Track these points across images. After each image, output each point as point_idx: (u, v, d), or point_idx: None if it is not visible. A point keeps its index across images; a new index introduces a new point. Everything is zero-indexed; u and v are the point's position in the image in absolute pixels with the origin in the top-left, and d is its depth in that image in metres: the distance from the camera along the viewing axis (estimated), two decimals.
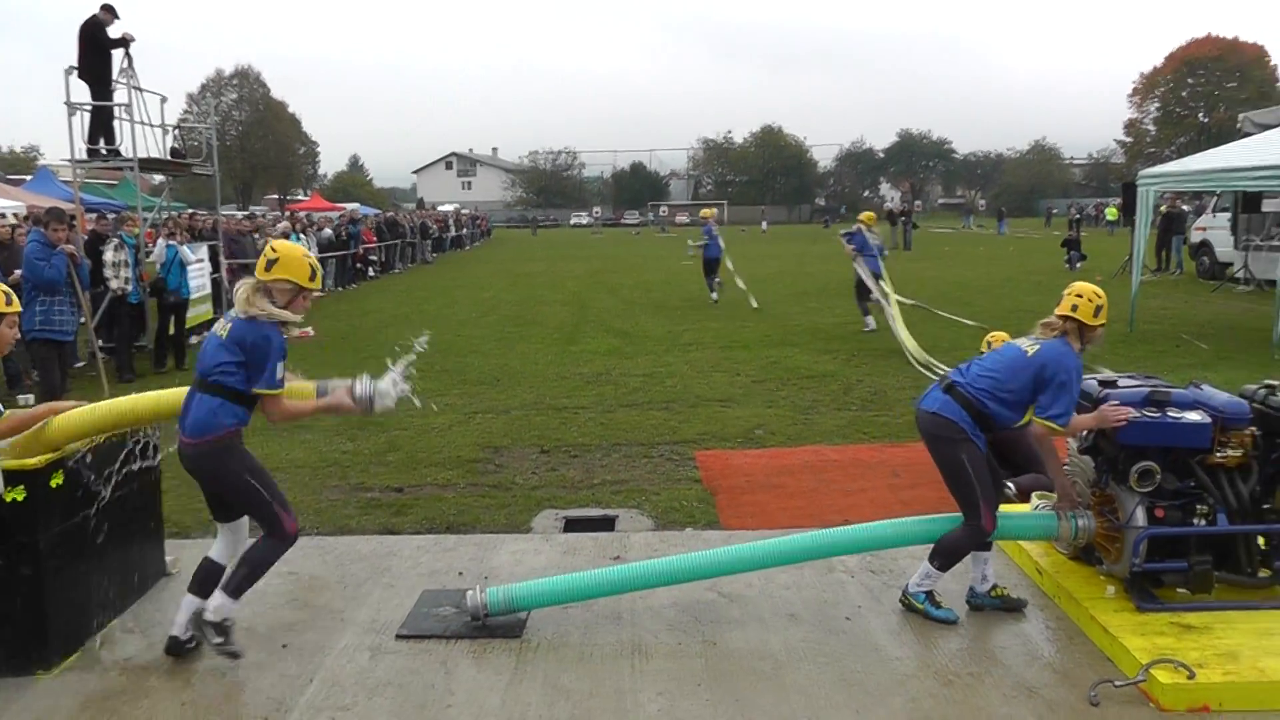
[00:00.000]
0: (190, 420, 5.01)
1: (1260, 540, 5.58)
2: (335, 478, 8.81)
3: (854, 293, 18.07)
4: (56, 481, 5.22)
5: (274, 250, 5.11)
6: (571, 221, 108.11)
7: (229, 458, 5.04)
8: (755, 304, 21.57)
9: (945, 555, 5.62)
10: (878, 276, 17.16)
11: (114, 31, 16.22)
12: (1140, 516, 5.39)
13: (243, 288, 5.06)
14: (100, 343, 13.83)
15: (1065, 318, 5.54)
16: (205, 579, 5.27)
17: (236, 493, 5.15)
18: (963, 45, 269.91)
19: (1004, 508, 6.51)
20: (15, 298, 5.12)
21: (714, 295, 22.61)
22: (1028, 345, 5.56)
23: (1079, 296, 5.57)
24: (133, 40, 16.52)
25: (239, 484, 5.08)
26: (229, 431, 5.02)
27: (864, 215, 18.56)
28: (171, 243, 15.50)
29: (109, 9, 16.10)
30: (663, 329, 18.35)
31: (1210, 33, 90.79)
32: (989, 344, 7.96)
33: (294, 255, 5.13)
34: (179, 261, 15.62)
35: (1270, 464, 5.55)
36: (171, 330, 15.39)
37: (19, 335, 5.33)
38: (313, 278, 5.16)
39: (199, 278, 17.22)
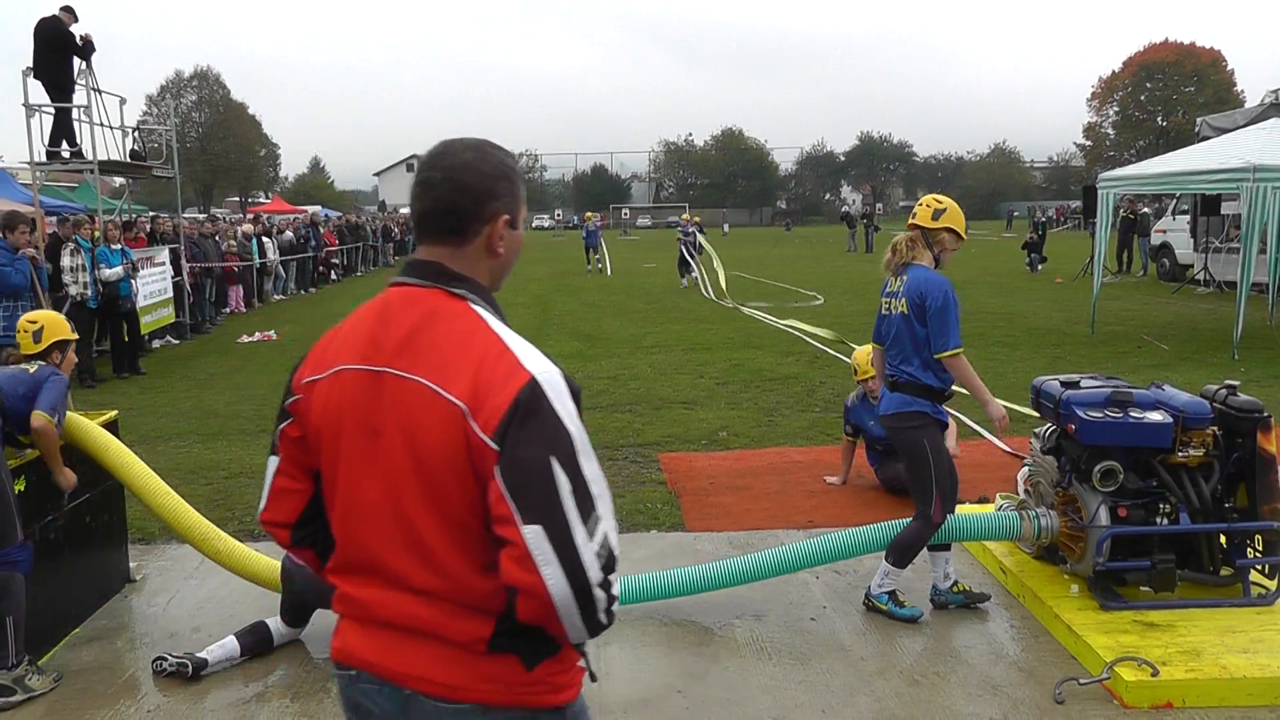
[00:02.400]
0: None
1: (1222, 538, 5.64)
2: None
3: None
4: (19, 487, 5.16)
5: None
6: (534, 224, 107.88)
7: None
8: (712, 296, 22.70)
9: (900, 551, 5.65)
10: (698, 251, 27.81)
11: (75, 31, 16.05)
12: (1103, 516, 5.44)
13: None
14: None
15: (910, 228, 5.71)
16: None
17: None
18: (922, 48, 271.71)
19: (968, 508, 6.58)
20: None
21: (684, 283, 27.45)
22: (897, 303, 5.56)
23: (917, 207, 5.78)
24: (94, 49, 16.37)
25: None
26: None
27: (685, 215, 29.16)
28: (114, 247, 15.24)
29: (68, 10, 15.93)
30: (626, 331, 18.35)
31: (1168, 38, 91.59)
32: (855, 369, 8.14)
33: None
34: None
35: (1231, 463, 5.60)
36: (126, 338, 15.17)
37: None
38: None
39: (157, 282, 17.07)
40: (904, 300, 5.49)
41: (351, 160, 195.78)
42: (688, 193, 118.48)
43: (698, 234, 29.46)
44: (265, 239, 25.89)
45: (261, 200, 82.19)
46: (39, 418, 5.14)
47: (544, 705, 2.12)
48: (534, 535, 1.88)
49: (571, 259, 37.90)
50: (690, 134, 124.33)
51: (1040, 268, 30.32)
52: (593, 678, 2.26)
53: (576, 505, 1.92)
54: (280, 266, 26.84)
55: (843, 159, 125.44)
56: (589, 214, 40.27)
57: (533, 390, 1.96)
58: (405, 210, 76.51)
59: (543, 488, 1.91)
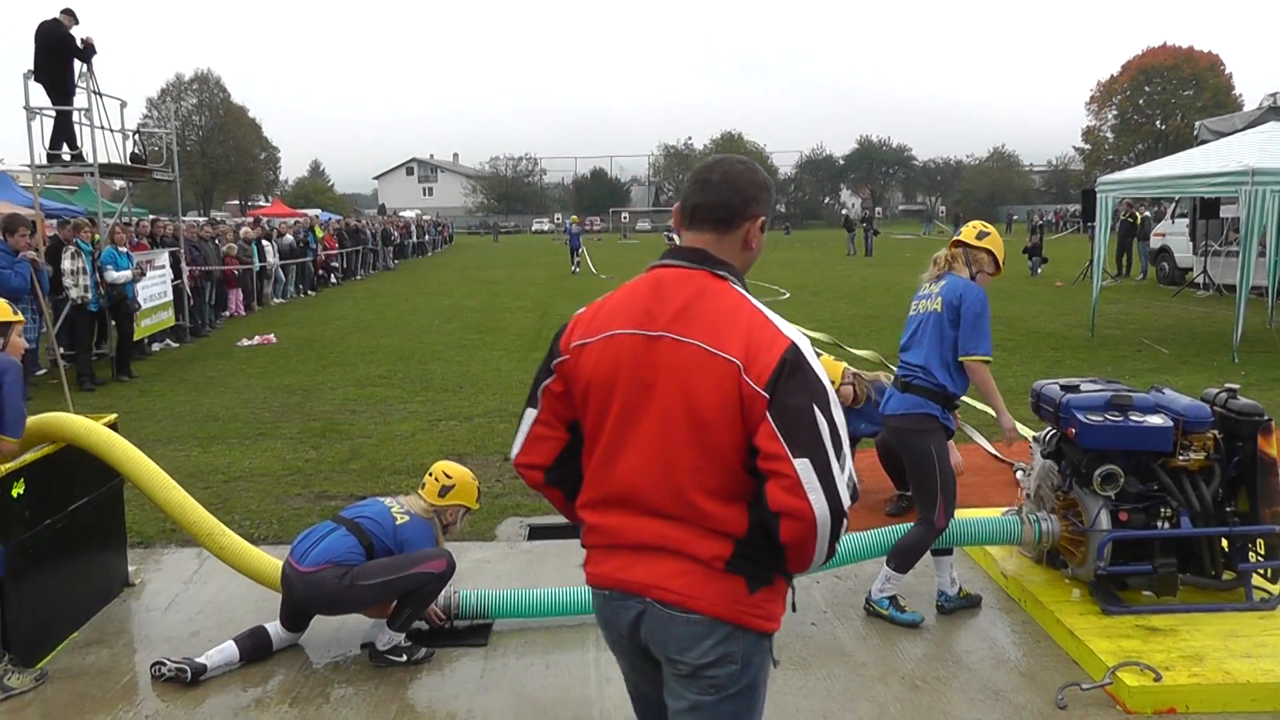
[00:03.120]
0: None
1: (1224, 543, 5.62)
2: (298, 486, 8.74)
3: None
4: (17, 491, 5.15)
5: None
6: (534, 227, 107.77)
7: None
8: None
9: (903, 556, 5.63)
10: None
11: (75, 34, 16.05)
12: (1104, 520, 5.43)
13: None
14: (61, 350, 13.68)
15: (953, 244, 5.81)
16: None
17: None
18: (921, 52, 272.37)
19: (969, 512, 6.56)
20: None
21: None
22: (931, 303, 5.63)
23: (963, 228, 5.93)
24: (95, 52, 16.37)
25: None
26: None
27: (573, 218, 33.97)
28: (122, 249, 15.23)
29: (69, 13, 15.92)
30: None
31: (1166, 42, 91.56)
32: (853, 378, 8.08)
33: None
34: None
35: (1232, 467, 5.59)
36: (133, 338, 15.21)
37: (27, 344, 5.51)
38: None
39: (157, 285, 17.05)
40: (940, 299, 5.55)
41: (352, 164, 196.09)
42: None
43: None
44: (265, 242, 25.87)
45: (261, 203, 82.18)
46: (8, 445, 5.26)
47: (755, 628, 2.58)
48: (803, 467, 2.37)
49: (570, 263, 37.85)
50: (690, 138, 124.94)
51: (1040, 270, 30.30)
52: (793, 608, 2.74)
53: (833, 445, 2.42)
54: (280, 270, 26.83)
55: (842, 163, 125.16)
56: (574, 217, 45.26)
57: (795, 352, 2.46)
58: (406, 213, 77.11)
59: (809, 429, 2.40)
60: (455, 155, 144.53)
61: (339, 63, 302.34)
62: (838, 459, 2.43)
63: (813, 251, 48.51)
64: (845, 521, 2.44)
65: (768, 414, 2.41)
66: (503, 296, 27.36)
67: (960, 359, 5.46)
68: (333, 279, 32.60)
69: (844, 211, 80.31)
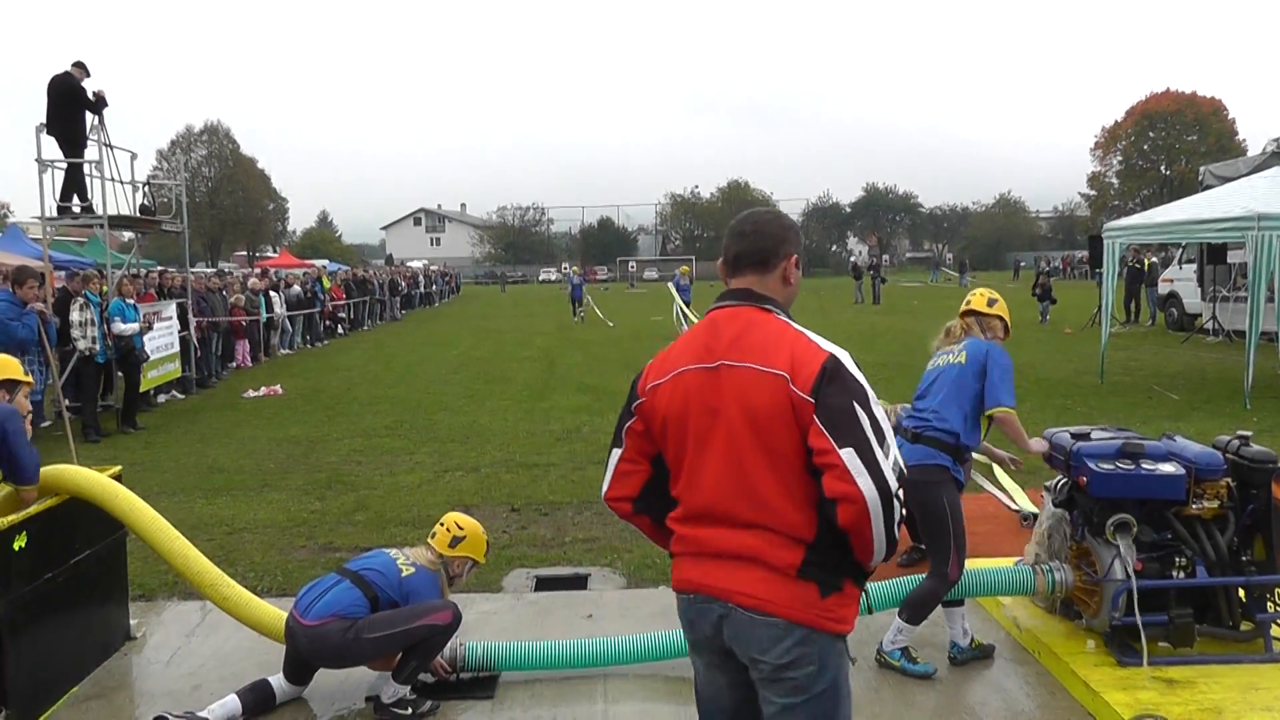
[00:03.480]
0: None
1: (1240, 592, 5.55)
2: (303, 538, 8.68)
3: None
4: (19, 544, 5.11)
5: None
6: (540, 277, 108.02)
7: None
8: None
9: (915, 608, 5.57)
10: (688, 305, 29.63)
11: (87, 86, 16.18)
12: (1118, 569, 5.36)
13: None
14: (67, 402, 13.67)
15: (964, 314, 5.97)
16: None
17: None
18: (926, 99, 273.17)
19: (981, 562, 6.49)
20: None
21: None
22: (954, 357, 5.69)
23: (971, 295, 6.10)
24: (106, 105, 16.50)
25: None
26: None
27: (682, 268, 33.94)
28: (129, 301, 15.25)
29: (80, 65, 16.07)
30: None
31: (1169, 87, 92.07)
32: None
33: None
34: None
35: (1247, 515, 5.53)
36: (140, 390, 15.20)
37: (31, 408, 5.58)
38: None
39: (164, 336, 17.06)
40: (964, 354, 5.63)
41: (359, 214, 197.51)
42: (694, 244, 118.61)
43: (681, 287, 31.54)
44: (272, 293, 25.93)
45: (269, 254, 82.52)
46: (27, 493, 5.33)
47: (830, 630, 2.90)
48: (849, 455, 2.74)
49: (572, 314, 37.87)
50: (696, 186, 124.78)
51: (1049, 316, 30.16)
52: (869, 610, 3.20)
53: (874, 434, 2.79)
54: (287, 321, 26.88)
55: (848, 210, 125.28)
56: (575, 267, 48.12)
57: (834, 362, 2.88)
58: (414, 264, 77.28)
59: (850, 422, 2.79)
60: (463, 205, 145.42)
61: (348, 113, 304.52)
62: (880, 447, 2.78)
63: (820, 299, 48.52)
64: (896, 504, 2.78)
65: (815, 416, 2.80)
66: (510, 346, 27.36)
67: (989, 412, 5.48)
68: (340, 330, 32.67)
69: (851, 259, 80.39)
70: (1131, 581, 5.27)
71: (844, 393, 2.82)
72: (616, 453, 3.25)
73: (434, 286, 58.78)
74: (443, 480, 10.72)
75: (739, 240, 3.14)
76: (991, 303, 5.90)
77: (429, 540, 5.61)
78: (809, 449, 2.83)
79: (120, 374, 14.94)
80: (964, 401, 5.49)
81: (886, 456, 2.78)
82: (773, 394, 2.87)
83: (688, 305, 30.16)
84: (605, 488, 3.28)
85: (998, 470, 9.06)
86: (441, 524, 5.67)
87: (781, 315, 3.07)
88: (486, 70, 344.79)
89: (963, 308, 6.04)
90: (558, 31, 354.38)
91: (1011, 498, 9.22)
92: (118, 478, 6.08)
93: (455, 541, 5.57)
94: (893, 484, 2.76)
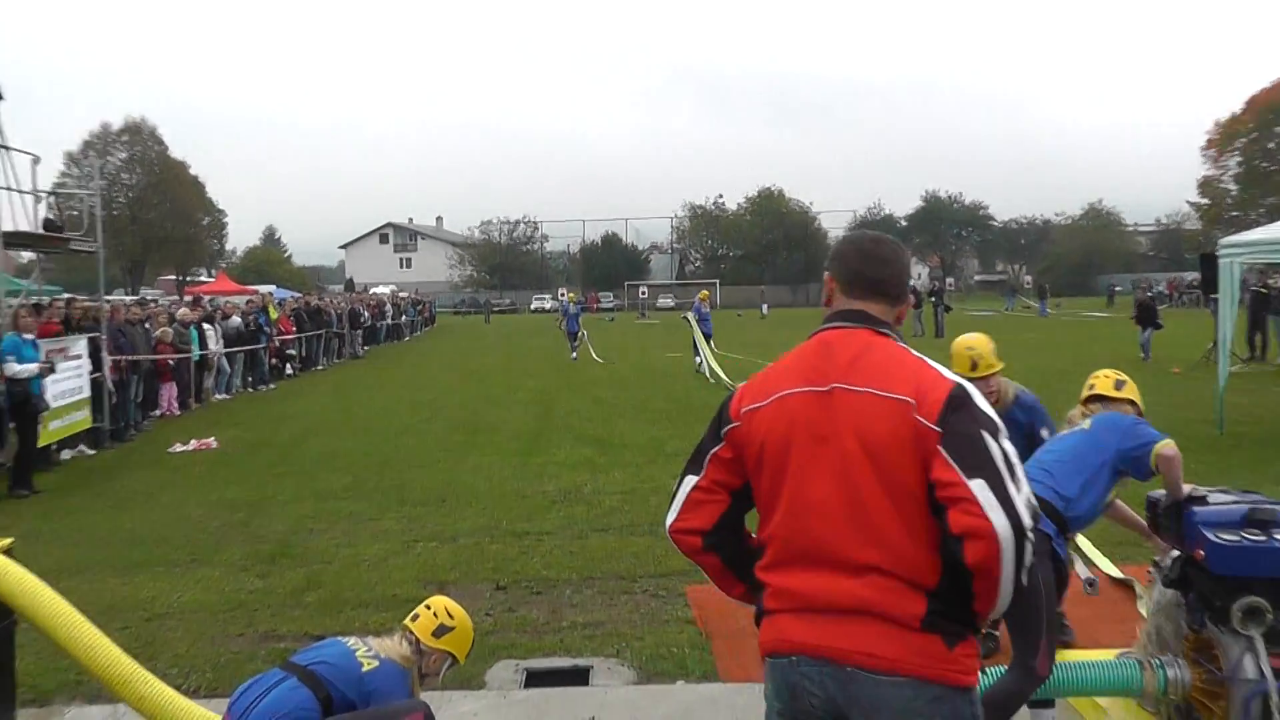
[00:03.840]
0: None
1: None
2: (240, 624, 8.63)
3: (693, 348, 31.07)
4: None
5: None
6: (533, 305, 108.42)
7: None
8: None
9: (995, 709, 5.47)
10: (708, 338, 30.33)
11: None
12: (1249, 666, 5.26)
13: None
14: None
15: (1088, 400, 6.25)
16: None
17: None
18: (994, 92, 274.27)
19: (1076, 654, 6.40)
20: None
21: (710, 370, 28.67)
22: (1079, 426, 6.02)
23: (1095, 378, 6.35)
24: (2, 98, 16.58)
25: None
26: None
27: (701, 294, 33.89)
28: (27, 337, 15.22)
29: None
30: (645, 435, 18.27)
31: None
32: (974, 362, 7.58)
33: None
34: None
35: None
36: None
37: None
38: None
39: (71, 379, 17.01)
40: (1089, 421, 5.96)
41: (313, 230, 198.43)
42: (718, 265, 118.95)
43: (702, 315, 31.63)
44: (206, 326, 25.97)
45: (203, 279, 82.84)
46: None
47: (959, 684, 3.03)
48: (979, 487, 2.89)
49: (569, 349, 37.94)
50: (720, 195, 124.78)
51: (1150, 351, 29.89)
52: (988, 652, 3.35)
53: (1006, 467, 2.96)
54: (224, 359, 26.92)
55: (904, 224, 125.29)
56: (570, 293, 45.72)
57: (961, 390, 3.10)
58: (380, 289, 77.61)
59: (981, 452, 2.96)
60: (439, 219, 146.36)
61: (299, 110, 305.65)
62: (1013, 480, 2.94)
63: None
64: (1029, 545, 2.90)
65: (940, 446, 2.98)
66: (496, 389, 27.39)
67: (1156, 449, 5.61)
68: (289, 369, 32.71)
69: (911, 283, 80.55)
70: (1268, 682, 5.19)
71: (973, 421, 3.03)
72: (691, 480, 3.42)
73: (404, 317, 59.12)
74: (413, 552, 10.66)
75: (871, 263, 3.40)
76: (1119, 385, 6.12)
77: (407, 623, 5.51)
78: (931, 483, 3.00)
79: (14, 425, 14.89)
80: (1084, 468, 5.61)
81: (1019, 490, 2.94)
82: (894, 421, 3.05)
83: (709, 339, 30.35)
84: (672, 518, 3.43)
85: (1080, 537, 8.98)
86: (428, 607, 5.58)
87: (900, 341, 3.30)
88: (468, 57, 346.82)
89: (1085, 393, 6.25)
90: (554, 16, 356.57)
91: (1092, 563, 9.15)
92: (8, 551, 6.02)
93: (441, 631, 5.47)
94: (1027, 520, 2.90)
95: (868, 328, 3.29)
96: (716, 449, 3.38)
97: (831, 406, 3.14)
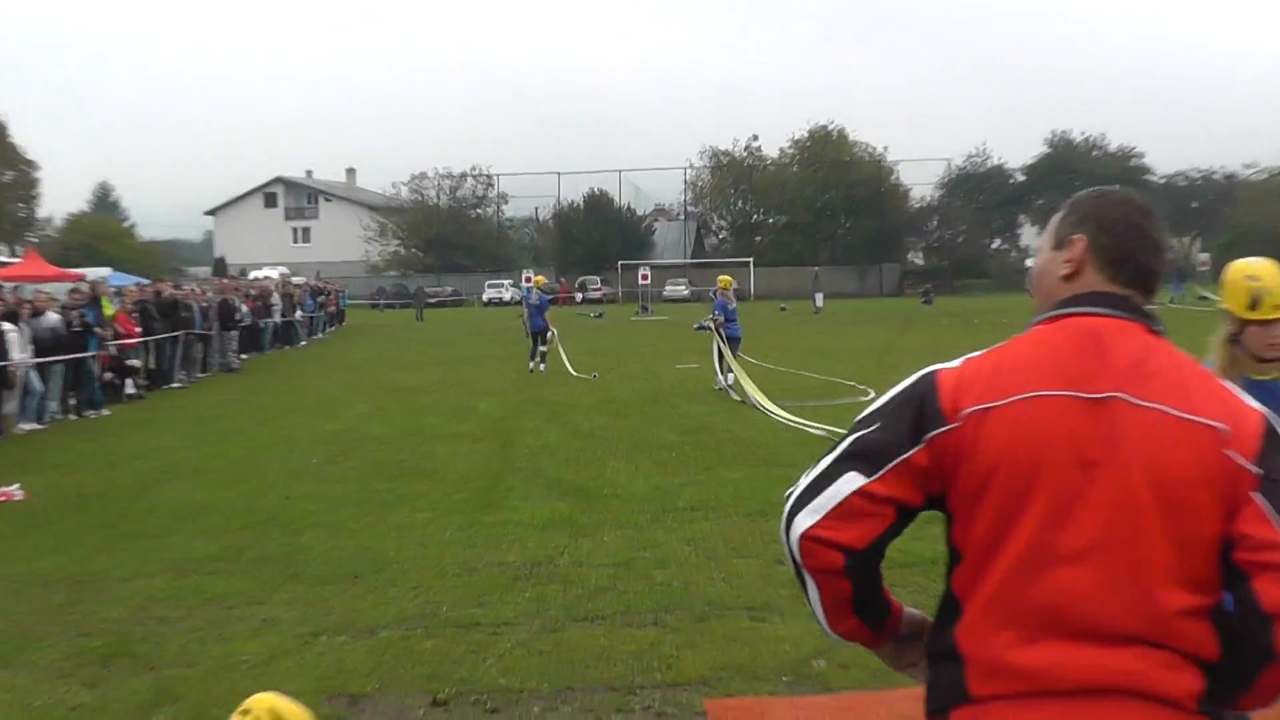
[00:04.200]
0: None
1: None
2: None
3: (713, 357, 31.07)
4: None
5: None
6: (486, 294, 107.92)
7: None
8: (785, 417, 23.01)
9: None
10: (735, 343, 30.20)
11: None
12: None
13: None
14: None
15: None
16: None
17: None
18: (1150, 11, 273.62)
19: None
20: None
21: (727, 387, 29.82)
22: None
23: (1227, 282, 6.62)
24: None
25: None
26: None
27: (722, 279, 32.91)
28: None
29: None
30: (646, 483, 18.24)
31: None
32: (1254, 301, 7.65)
33: None
34: None
35: None
36: None
37: None
38: None
39: None
40: None
41: (167, 190, 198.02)
42: (751, 238, 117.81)
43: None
44: (7, 326, 25.91)
45: (3, 259, 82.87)
46: None
47: None
48: None
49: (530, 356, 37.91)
50: (755, 138, 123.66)
51: None
52: None
53: None
54: (35, 374, 26.86)
55: (1021, 178, 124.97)
56: (538, 277, 49.59)
57: (1273, 423, 3.09)
58: (264, 273, 77.57)
59: None
60: (350, 172, 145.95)
61: (145, 24, 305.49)
62: None
63: (973, 334, 48.61)
64: None
65: (1256, 494, 2.98)
66: (433, 416, 27.42)
67: None
68: (131, 388, 32.71)
69: (1027, 264, 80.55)
70: None
71: None
72: (857, 480, 3.23)
73: (298, 312, 59.23)
74: (311, 650, 10.61)
75: (1151, 248, 3.40)
76: (1254, 302, 6.26)
77: None
78: (1230, 538, 3.00)
79: None
80: None
81: None
82: (1199, 455, 3.02)
83: (736, 345, 30.39)
84: (813, 520, 3.24)
85: None
86: (245, 713, 5.47)
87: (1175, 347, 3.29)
88: None
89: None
90: None
91: None
92: None
93: None
94: None
95: (1140, 321, 3.27)
96: (910, 454, 3.21)
97: (1107, 423, 3.08)
